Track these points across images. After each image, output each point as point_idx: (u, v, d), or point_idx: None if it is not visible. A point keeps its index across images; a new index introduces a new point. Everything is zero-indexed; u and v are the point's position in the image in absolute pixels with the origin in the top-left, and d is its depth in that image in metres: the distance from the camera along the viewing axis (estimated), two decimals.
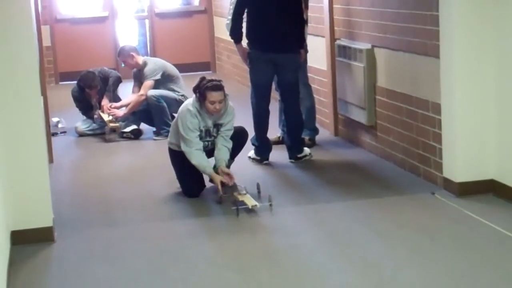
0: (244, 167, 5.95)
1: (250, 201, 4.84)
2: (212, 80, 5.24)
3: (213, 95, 5.16)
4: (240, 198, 4.89)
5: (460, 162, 5.09)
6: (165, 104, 7.21)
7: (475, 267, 3.90)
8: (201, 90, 5.19)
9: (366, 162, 6.10)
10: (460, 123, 5.06)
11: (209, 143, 5.34)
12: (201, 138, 5.25)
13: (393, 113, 5.96)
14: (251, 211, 4.79)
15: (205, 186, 5.34)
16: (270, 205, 4.85)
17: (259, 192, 5.16)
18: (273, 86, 6.86)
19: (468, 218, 4.62)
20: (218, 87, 5.21)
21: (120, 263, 4.18)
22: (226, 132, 5.34)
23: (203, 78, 5.29)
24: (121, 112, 7.43)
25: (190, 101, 5.31)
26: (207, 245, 4.45)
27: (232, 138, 5.41)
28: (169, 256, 4.24)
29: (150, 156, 6.55)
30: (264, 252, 4.20)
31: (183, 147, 5.22)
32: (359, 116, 6.45)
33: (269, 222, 4.75)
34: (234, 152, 5.49)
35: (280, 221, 4.76)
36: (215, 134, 5.33)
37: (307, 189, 5.48)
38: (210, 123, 5.28)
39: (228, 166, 5.36)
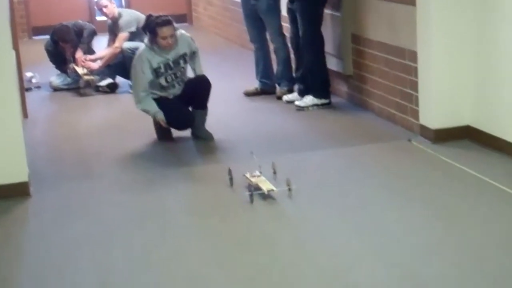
0: (227, 119, 5.97)
1: (266, 185, 4.22)
2: (160, 16, 5.25)
3: (164, 30, 5.18)
4: (254, 181, 4.29)
5: (436, 109, 5.12)
6: None
7: (451, 210, 3.96)
8: (150, 28, 5.22)
9: (344, 111, 6.12)
10: (436, 71, 5.07)
11: (175, 79, 5.38)
12: (162, 74, 5.30)
13: (370, 62, 5.96)
14: (267, 196, 4.19)
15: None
16: (289, 189, 4.20)
17: (274, 172, 4.51)
18: (248, 37, 6.88)
19: (444, 164, 4.68)
20: (168, 21, 5.23)
21: (97, 216, 4.19)
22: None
23: (150, 16, 5.32)
24: (96, 65, 7.35)
25: (143, 45, 5.38)
26: (186, 195, 4.46)
27: (195, 86, 5.48)
28: (147, 208, 4.25)
29: (126, 110, 6.51)
30: (243, 201, 4.22)
31: (134, 92, 5.36)
32: (337, 65, 6.44)
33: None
34: (202, 101, 5.52)
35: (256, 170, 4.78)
36: (183, 65, 5.39)
37: (286, 139, 5.48)
38: (169, 57, 5.31)
39: (204, 120, 5.50)
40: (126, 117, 6.27)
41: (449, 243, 3.55)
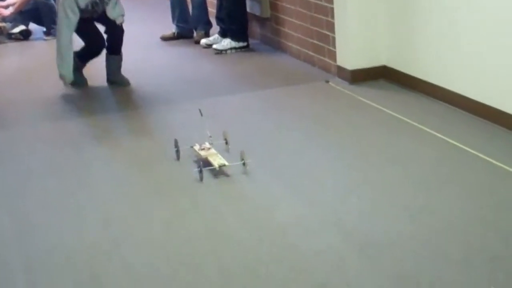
0: (145, 65, 5.85)
1: (217, 159, 3.75)
2: None
3: None
4: (203, 154, 3.83)
5: (353, 49, 5.13)
6: (53, 2, 6.91)
7: (367, 149, 3.99)
8: None
9: (262, 54, 6.08)
10: (351, 12, 5.06)
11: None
12: (88, 13, 5.23)
13: (287, 3, 5.91)
14: (218, 172, 3.73)
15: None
16: (244, 163, 3.74)
17: (226, 143, 4.07)
18: None
19: (361, 104, 4.70)
20: None
21: (13, 164, 4.05)
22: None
23: None
24: (7, 12, 7.09)
25: None
26: (101, 144, 4.36)
27: (107, 31, 5.41)
28: (63, 156, 4.14)
29: (40, 57, 6.32)
30: (160, 147, 4.15)
31: (57, 49, 5.22)
32: (254, 8, 6.37)
33: (169, 117, 4.70)
34: (115, 46, 5.43)
35: (178, 116, 4.72)
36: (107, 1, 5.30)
37: (205, 83, 5.43)
38: None
39: (119, 66, 5.44)
40: (41, 65, 6.08)
41: (367, 182, 3.58)
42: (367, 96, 4.78)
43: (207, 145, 3.89)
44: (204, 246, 3.00)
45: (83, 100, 5.17)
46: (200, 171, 3.61)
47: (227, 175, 3.67)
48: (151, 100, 5.09)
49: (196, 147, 3.91)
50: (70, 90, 5.34)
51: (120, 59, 5.43)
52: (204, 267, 2.82)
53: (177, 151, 3.94)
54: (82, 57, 5.47)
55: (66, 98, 5.21)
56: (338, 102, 4.81)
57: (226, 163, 3.69)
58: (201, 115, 3.96)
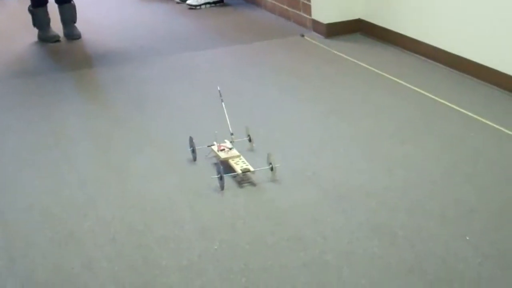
0: (118, 21, 5.75)
1: (239, 163, 3.16)
2: None
3: None
4: (223, 156, 3.23)
5: (328, 3, 5.05)
6: None
7: (343, 103, 3.95)
8: None
9: (237, 9, 5.99)
10: None
11: None
12: None
13: None
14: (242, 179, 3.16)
15: None
16: (271, 168, 3.12)
17: (250, 140, 3.47)
18: None
19: (337, 57, 4.65)
20: None
21: None
22: None
23: None
24: None
25: None
26: (76, 100, 4.28)
27: None
28: (39, 111, 4.06)
29: (13, 15, 6.18)
30: (135, 102, 4.09)
31: None
32: None
33: (143, 73, 4.63)
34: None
35: (154, 70, 4.64)
36: None
37: (178, 39, 5.35)
38: None
39: (71, 16, 5.52)
40: (13, 22, 5.94)
41: (342, 135, 3.55)
42: (342, 50, 4.73)
43: (227, 144, 3.32)
44: (180, 202, 2.96)
45: (56, 56, 5.08)
46: (221, 178, 3.02)
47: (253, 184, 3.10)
48: (125, 56, 5.00)
49: (215, 146, 3.32)
50: (43, 47, 5.23)
51: (71, 8, 5.39)
52: (180, 222, 2.79)
53: (193, 151, 3.34)
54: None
55: (40, 55, 5.11)
56: (314, 56, 4.76)
57: (251, 168, 3.11)
58: (222, 101, 3.37)
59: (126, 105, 4.10)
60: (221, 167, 3.02)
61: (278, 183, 3.08)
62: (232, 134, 3.31)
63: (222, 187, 3.02)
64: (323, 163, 3.27)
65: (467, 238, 2.58)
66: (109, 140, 3.65)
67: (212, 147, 3.34)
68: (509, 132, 3.48)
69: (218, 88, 3.44)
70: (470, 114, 3.69)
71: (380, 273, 2.38)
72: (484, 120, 3.60)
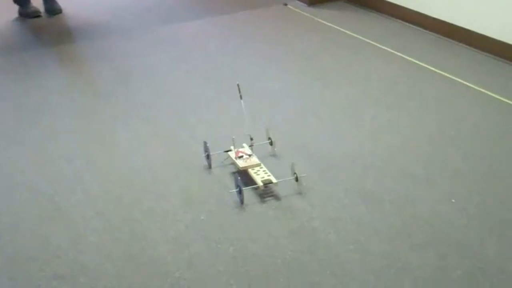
0: None
1: (260, 173, 2.78)
2: None
3: None
4: (242, 165, 2.83)
5: None
6: None
7: (327, 70, 3.92)
8: None
9: None
10: None
11: None
12: None
13: None
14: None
15: None
16: (296, 178, 2.75)
17: (271, 143, 3.07)
18: None
19: (320, 25, 4.61)
20: None
21: None
22: None
23: None
24: None
25: None
26: (61, 74, 4.23)
27: None
28: (22, 87, 4.00)
29: None
30: (121, 72, 4.04)
31: None
32: None
33: (127, 46, 4.58)
34: None
35: (138, 43, 4.59)
36: None
37: (160, 11, 5.29)
38: None
39: None
40: None
41: (326, 102, 3.53)
42: (325, 18, 4.68)
43: (246, 149, 2.96)
44: (167, 174, 2.93)
45: (38, 31, 5.00)
46: (240, 192, 2.67)
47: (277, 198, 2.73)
48: (108, 29, 4.94)
49: (232, 153, 2.94)
50: (24, 23, 5.16)
51: None
52: (167, 195, 2.76)
53: (208, 157, 2.96)
54: None
55: (20, 31, 5.04)
56: (297, 24, 4.71)
57: (274, 180, 2.73)
58: (241, 98, 2.95)
59: (111, 79, 4.05)
60: (239, 178, 2.65)
61: (262, 151, 3.06)
62: (252, 139, 2.95)
63: (242, 202, 2.65)
64: (309, 131, 3.24)
65: (453, 201, 2.58)
66: (94, 114, 3.60)
67: (229, 153, 2.95)
68: (493, 95, 3.47)
69: (238, 84, 2.97)
70: (453, 78, 3.67)
71: (367, 238, 2.37)
72: (468, 84, 3.58)
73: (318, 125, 3.29)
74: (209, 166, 2.94)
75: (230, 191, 2.70)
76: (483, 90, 3.51)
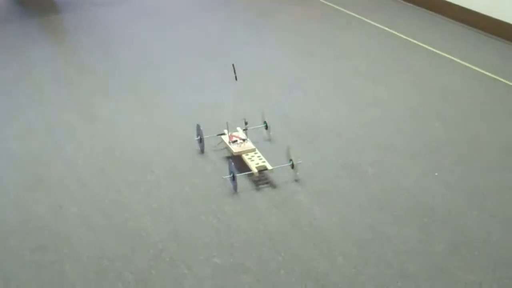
0: None
1: (255, 159, 2.64)
2: None
3: None
4: (236, 150, 2.70)
5: None
6: None
7: (313, 44, 3.89)
8: None
9: None
10: None
11: None
12: None
13: None
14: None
15: None
16: (292, 165, 2.61)
17: (267, 127, 2.92)
18: None
19: None
20: None
21: None
22: None
23: None
24: None
25: None
26: (44, 44, 4.17)
27: None
28: (5, 58, 3.94)
29: None
30: (103, 42, 4.00)
31: None
32: None
33: (109, 17, 4.52)
34: None
35: (119, 13, 4.53)
36: None
37: None
38: None
39: None
40: None
41: (312, 76, 3.51)
42: None
43: (240, 133, 2.81)
44: (150, 145, 2.91)
45: (20, 2, 4.93)
46: (233, 178, 2.52)
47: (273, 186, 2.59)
48: (90, 0, 4.88)
49: (225, 136, 2.80)
50: None
51: None
52: (150, 166, 2.74)
53: (201, 141, 2.81)
54: None
55: (4, 2, 4.96)
56: None
57: (269, 166, 2.58)
58: (236, 79, 2.76)
59: (93, 49, 3.99)
60: (233, 164, 2.51)
61: (248, 123, 3.03)
62: (246, 123, 2.79)
63: (235, 189, 2.52)
64: (295, 103, 3.22)
65: (436, 174, 2.57)
66: (76, 84, 3.56)
67: (223, 136, 2.80)
68: (476, 68, 3.46)
69: (233, 64, 2.77)
70: (438, 51, 3.65)
71: (350, 210, 2.37)
72: (451, 57, 3.57)
73: (303, 98, 3.27)
74: (202, 151, 2.79)
75: (224, 177, 2.57)
76: (466, 64, 3.50)
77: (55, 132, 3.07)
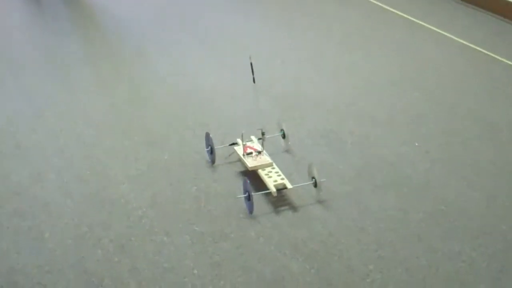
0: None
1: (272, 175, 2.29)
2: None
3: None
4: (251, 165, 2.34)
5: None
6: None
7: (291, 14, 3.85)
8: None
9: None
10: None
11: None
12: None
13: None
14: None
15: None
16: (315, 184, 2.25)
17: (284, 136, 2.54)
18: None
19: None
20: None
21: None
22: None
23: None
24: None
25: None
26: (22, 12, 4.09)
27: None
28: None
29: None
30: (83, 10, 3.92)
31: None
32: None
33: None
34: None
35: None
36: None
37: None
38: None
39: None
40: None
41: (291, 46, 3.47)
42: None
43: (255, 144, 2.45)
44: (129, 113, 2.86)
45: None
46: (249, 198, 2.18)
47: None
48: None
49: (239, 148, 2.44)
50: None
51: None
52: (129, 133, 2.70)
53: (211, 151, 2.46)
54: None
55: None
56: None
57: (288, 185, 2.25)
58: (254, 81, 2.60)
59: (72, 16, 3.92)
60: (248, 182, 2.17)
61: (228, 93, 3.00)
62: (263, 133, 2.42)
63: (251, 211, 2.17)
64: (273, 74, 3.19)
65: (416, 144, 2.56)
66: (54, 52, 3.49)
67: (236, 147, 2.45)
68: (454, 38, 3.45)
69: (250, 58, 2.53)
70: (416, 20, 3.63)
71: (330, 178, 2.34)
72: (430, 27, 3.55)
73: (282, 67, 3.24)
74: (213, 162, 2.45)
75: (237, 197, 2.24)
76: (445, 34, 3.48)
77: (34, 100, 3.01)
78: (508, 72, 3.14)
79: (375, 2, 3.88)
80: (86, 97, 3.01)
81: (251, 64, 2.44)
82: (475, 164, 2.43)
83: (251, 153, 2.38)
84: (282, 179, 2.25)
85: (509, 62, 3.22)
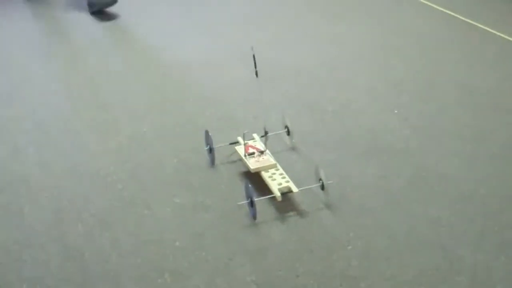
0: None
1: (276, 178, 2.12)
2: None
3: None
4: (254, 166, 2.17)
5: None
6: None
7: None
8: None
9: None
10: None
11: None
12: None
13: None
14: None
15: None
16: (322, 186, 2.08)
17: (288, 133, 2.40)
18: None
19: None
20: None
21: None
22: None
23: None
24: None
25: None
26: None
27: None
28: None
29: None
30: None
31: None
32: None
33: None
34: None
35: None
36: None
37: None
38: None
39: None
40: None
41: (273, 16, 3.45)
42: None
43: (257, 142, 2.31)
44: (107, 84, 2.83)
45: None
46: (252, 204, 2.04)
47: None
48: None
49: (240, 147, 2.29)
50: None
51: None
52: (107, 105, 2.67)
53: (211, 151, 2.31)
54: None
55: None
56: None
57: (294, 188, 2.08)
58: (256, 75, 2.35)
59: None
60: (250, 186, 2.01)
61: (209, 64, 2.98)
62: (267, 132, 2.26)
63: (254, 217, 2.02)
64: (253, 42, 3.16)
65: (396, 111, 2.56)
66: (31, 23, 3.45)
67: (237, 147, 2.30)
68: (436, 7, 3.43)
69: (252, 49, 2.29)
70: None
71: (310, 148, 2.34)
72: None
73: (264, 36, 3.22)
74: (212, 163, 2.30)
75: (239, 203, 2.09)
76: (426, 2, 3.47)
77: (11, 72, 2.98)
78: (487, 38, 3.14)
79: None
80: (63, 69, 2.98)
81: (253, 56, 2.30)
82: (455, 130, 2.43)
83: (253, 153, 2.23)
84: (287, 181, 2.10)
85: (488, 29, 3.21)
